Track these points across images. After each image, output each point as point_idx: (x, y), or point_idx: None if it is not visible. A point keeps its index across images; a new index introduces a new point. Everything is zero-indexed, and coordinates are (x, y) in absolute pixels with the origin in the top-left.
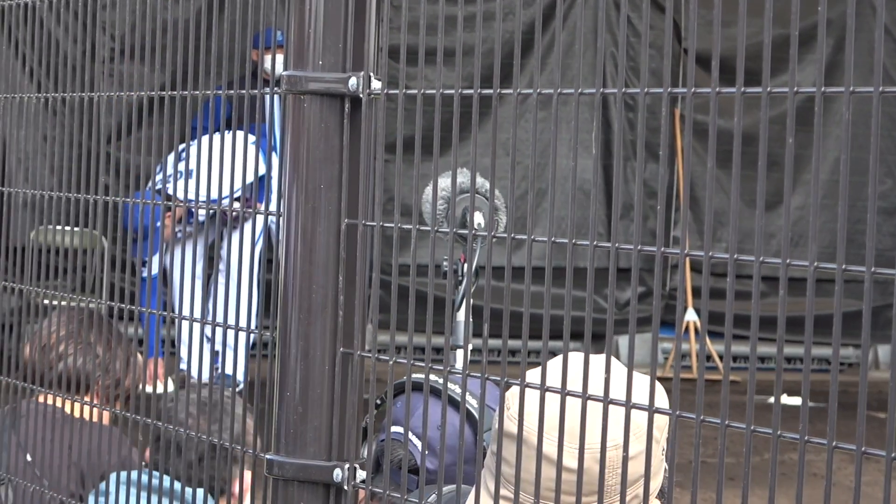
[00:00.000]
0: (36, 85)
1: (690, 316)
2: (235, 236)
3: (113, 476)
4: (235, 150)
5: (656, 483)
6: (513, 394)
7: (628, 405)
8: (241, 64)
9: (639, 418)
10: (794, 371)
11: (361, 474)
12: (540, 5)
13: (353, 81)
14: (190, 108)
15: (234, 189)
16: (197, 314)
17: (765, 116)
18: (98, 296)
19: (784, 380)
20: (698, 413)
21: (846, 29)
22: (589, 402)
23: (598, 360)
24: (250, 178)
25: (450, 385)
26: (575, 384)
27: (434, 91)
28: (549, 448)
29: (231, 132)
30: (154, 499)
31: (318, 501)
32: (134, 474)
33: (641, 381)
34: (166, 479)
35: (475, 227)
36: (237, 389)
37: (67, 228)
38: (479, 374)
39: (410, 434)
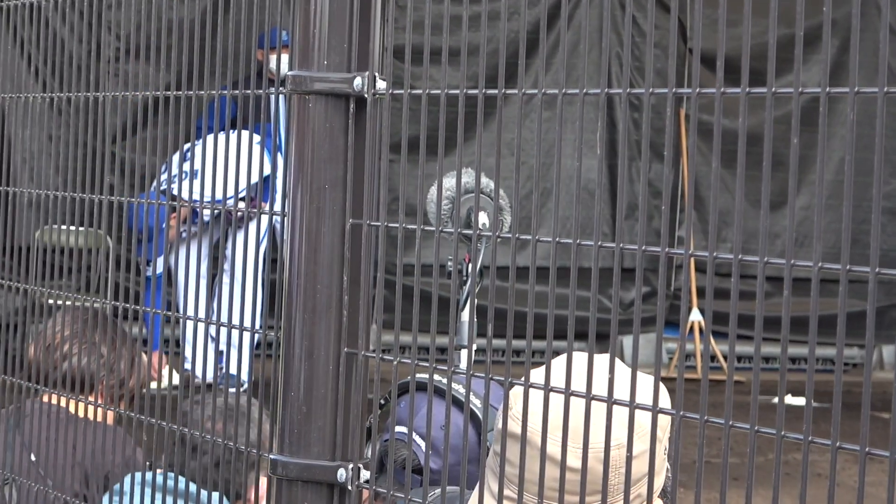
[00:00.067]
0: (41, 84)
1: (695, 316)
2: (240, 236)
3: (128, 477)
4: (241, 149)
5: (658, 482)
6: (514, 393)
7: (632, 405)
8: (246, 64)
9: (640, 418)
10: (799, 371)
11: (365, 474)
12: (545, 5)
13: (357, 81)
14: (195, 108)
15: (239, 189)
16: (201, 314)
17: (769, 117)
18: (103, 295)
19: (788, 380)
20: (702, 413)
21: (851, 29)
22: (577, 397)
23: (598, 360)
24: (255, 178)
25: (454, 385)
26: (576, 384)
27: (439, 91)
28: (552, 448)
29: (236, 132)
30: (169, 500)
31: (322, 501)
32: (150, 475)
33: (643, 380)
34: (182, 482)
35: (480, 227)
36: (242, 389)
37: (72, 228)
38: (482, 374)
39: (414, 434)
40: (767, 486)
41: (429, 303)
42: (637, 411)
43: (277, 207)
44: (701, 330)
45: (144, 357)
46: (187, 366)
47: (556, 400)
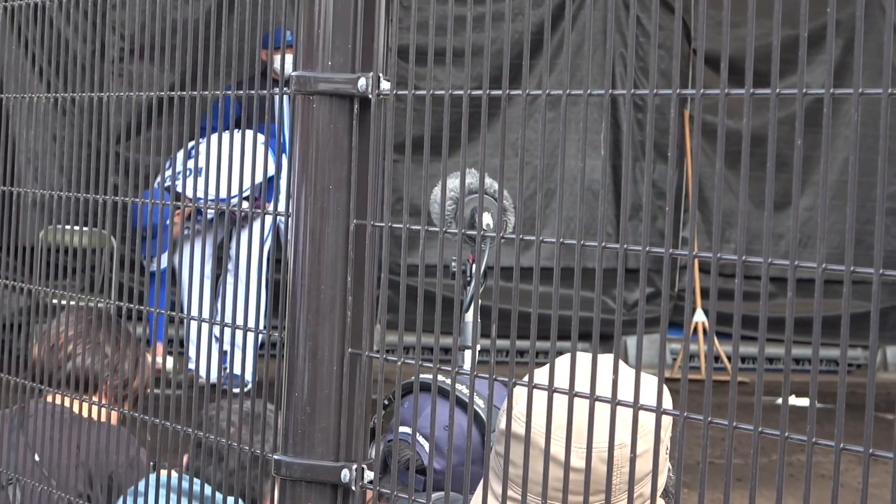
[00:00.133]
0: (45, 84)
1: (699, 317)
2: (244, 236)
3: (151, 477)
4: (245, 149)
5: (660, 482)
6: (517, 393)
7: (636, 406)
8: (250, 64)
9: (642, 417)
10: (802, 372)
11: (369, 475)
12: (549, 6)
13: (362, 82)
14: (199, 108)
15: (243, 188)
16: (205, 314)
17: (773, 118)
18: (107, 295)
19: (792, 381)
20: (706, 414)
21: (855, 30)
22: (580, 397)
23: (600, 360)
24: (259, 178)
25: (457, 386)
26: (577, 384)
27: (443, 91)
28: (555, 448)
29: (241, 131)
30: (185, 502)
31: (326, 502)
32: (166, 477)
33: (644, 380)
34: (197, 484)
35: (483, 227)
36: (245, 389)
37: (76, 228)
38: (487, 375)
39: (417, 434)
40: (771, 487)
41: (432, 303)
42: (624, 404)
43: (282, 208)
44: (705, 331)
45: (149, 357)
46: (191, 366)
47: (558, 400)
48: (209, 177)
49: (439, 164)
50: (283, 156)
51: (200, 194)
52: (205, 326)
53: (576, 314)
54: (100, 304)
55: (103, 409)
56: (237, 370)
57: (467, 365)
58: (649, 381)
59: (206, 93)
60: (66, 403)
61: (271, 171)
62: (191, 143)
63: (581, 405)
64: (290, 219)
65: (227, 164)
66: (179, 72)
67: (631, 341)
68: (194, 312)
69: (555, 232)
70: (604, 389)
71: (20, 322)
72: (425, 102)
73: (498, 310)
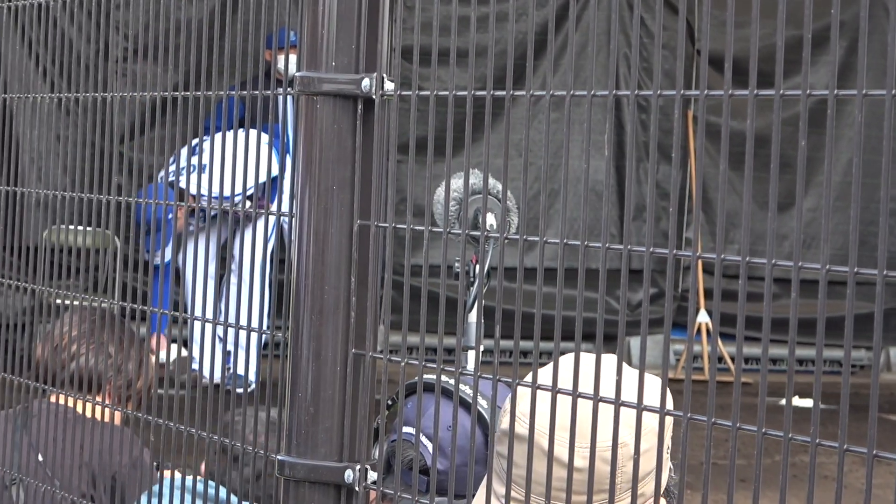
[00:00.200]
0: (49, 84)
1: (702, 317)
2: (247, 236)
3: (167, 479)
4: (249, 148)
5: (661, 482)
6: (521, 393)
7: (640, 407)
8: (254, 64)
9: (642, 417)
10: (806, 373)
11: (372, 475)
12: (553, 6)
13: (366, 82)
14: (203, 108)
15: (247, 187)
16: (209, 314)
17: (777, 118)
18: (110, 295)
19: (796, 382)
20: (710, 415)
21: (859, 31)
22: (584, 398)
23: (601, 361)
24: (263, 178)
25: (461, 386)
26: (575, 384)
27: (447, 92)
28: (555, 448)
29: (245, 131)
30: None
31: (329, 502)
32: (189, 481)
33: (645, 380)
34: (214, 489)
35: (487, 228)
36: (249, 390)
37: (80, 228)
38: (490, 376)
39: (421, 435)
40: (774, 487)
41: (436, 304)
42: (627, 405)
43: (285, 208)
44: (708, 331)
45: (153, 358)
46: (195, 366)
47: (557, 400)
48: (213, 174)
49: (443, 165)
50: (287, 156)
51: (204, 191)
52: (208, 326)
53: (579, 315)
54: (103, 305)
55: (107, 410)
56: (241, 370)
57: (471, 366)
58: (649, 381)
59: (210, 93)
60: (70, 403)
61: (275, 171)
62: (195, 140)
63: (578, 405)
64: (293, 219)
65: (231, 162)
66: (183, 72)
67: (634, 342)
68: (198, 312)
69: (558, 233)
70: (602, 389)
71: (24, 322)
72: (429, 103)
73: (501, 310)
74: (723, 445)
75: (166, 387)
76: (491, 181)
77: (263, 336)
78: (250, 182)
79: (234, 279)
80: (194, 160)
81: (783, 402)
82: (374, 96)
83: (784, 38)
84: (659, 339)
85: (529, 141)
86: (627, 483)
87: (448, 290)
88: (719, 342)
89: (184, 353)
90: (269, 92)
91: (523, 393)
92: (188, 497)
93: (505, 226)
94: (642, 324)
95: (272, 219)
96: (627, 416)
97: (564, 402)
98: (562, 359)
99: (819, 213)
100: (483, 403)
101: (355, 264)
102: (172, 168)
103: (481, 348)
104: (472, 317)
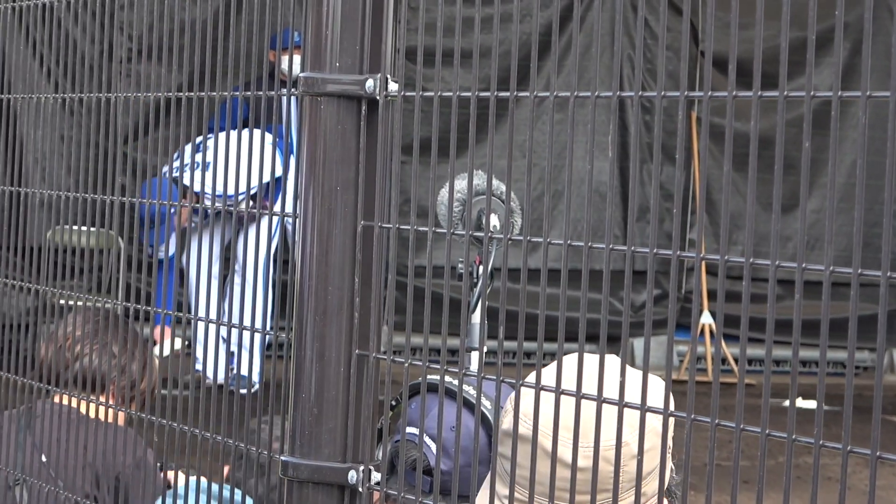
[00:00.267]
0: (53, 85)
1: (706, 319)
2: (250, 236)
3: (192, 480)
4: (253, 147)
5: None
6: (524, 393)
7: (643, 408)
8: (258, 65)
9: (641, 416)
10: (810, 374)
11: (376, 476)
12: (557, 7)
13: (370, 83)
14: (207, 108)
15: (250, 187)
16: (213, 315)
17: (781, 120)
18: (114, 296)
19: (799, 383)
20: (713, 416)
21: (863, 32)
22: (588, 399)
23: (597, 361)
24: (266, 177)
25: (464, 387)
26: (574, 385)
27: (450, 93)
28: (554, 447)
29: (250, 131)
30: None
31: (333, 503)
32: (205, 484)
33: (643, 380)
34: (231, 494)
35: (491, 229)
36: (253, 390)
37: (84, 228)
38: (494, 377)
39: (425, 435)
40: (778, 489)
41: (440, 305)
42: (632, 407)
43: (289, 209)
44: (712, 333)
45: (156, 361)
46: (198, 366)
47: (552, 399)
48: (216, 172)
49: (447, 166)
50: (291, 157)
51: (207, 189)
52: (212, 327)
53: (583, 316)
54: (107, 305)
55: (110, 410)
56: (244, 371)
57: (474, 367)
58: (649, 381)
59: (214, 94)
60: (74, 404)
61: (278, 172)
62: (199, 138)
63: (575, 404)
64: (297, 220)
65: (236, 161)
66: (187, 72)
67: (638, 343)
68: (201, 313)
69: (562, 234)
70: (603, 390)
71: (27, 322)
72: (433, 104)
73: (504, 311)
74: (726, 447)
75: (170, 387)
76: (495, 182)
77: (267, 337)
78: (254, 182)
79: (237, 279)
80: (198, 157)
81: (787, 403)
82: (377, 97)
83: (788, 40)
84: (662, 340)
85: (533, 142)
86: (629, 483)
87: (451, 290)
88: (723, 343)
89: (180, 345)
90: (272, 93)
91: (525, 393)
92: (205, 500)
93: (508, 227)
94: (646, 325)
95: (274, 218)
96: (629, 415)
97: (567, 402)
98: (564, 359)
99: (823, 215)
100: (486, 404)
101: (359, 265)
102: (177, 164)
103: (485, 349)
104: (476, 318)
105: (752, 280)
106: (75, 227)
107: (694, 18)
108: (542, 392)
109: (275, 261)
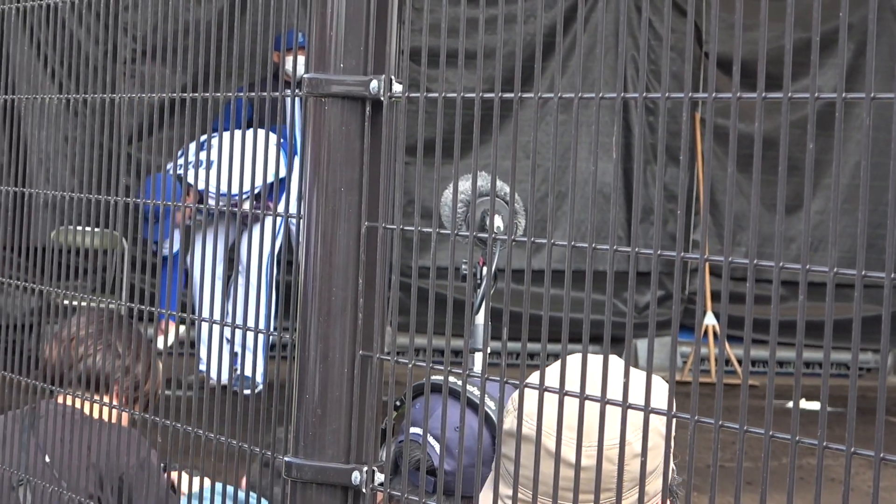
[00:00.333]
0: (57, 86)
1: (709, 320)
2: (253, 236)
3: (209, 483)
4: (257, 147)
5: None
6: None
7: (647, 410)
8: (262, 66)
9: (640, 416)
10: (813, 376)
11: (380, 477)
12: (561, 8)
13: (374, 84)
14: (211, 109)
15: (253, 186)
16: (217, 315)
17: (785, 121)
18: (118, 296)
19: (803, 384)
20: (717, 417)
21: (867, 33)
22: (592, 401)
23: (599, 361)
24: (270, 177)
25: (468, 387)
26: (576, 385)
27: (455, 94)
28: (552, 444)
29: (254, 131)
30: None
31: None
32: (231, 489)
33: (643, 379)
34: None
35: (495, 230)
36: (256, 391)
37: (87, 229)
38: (497, 378)
39: (428, 436)
40: (781, 490)
41: (443, 306)
42: (636, 409)
43: (293, 209)
44: (716, 334)
45: (160, 365)
46: (202, 367)
47: (556, 400)
48: (220, 171)
49: (451, 167)
50: (295, 157)
51: (210, 188)
52: (216, 327)
53: (587, 317)
54: (111, 306)
55: (114, 411)
56: (248, 372)
57: (478, 367)
58: (644, 380)
59: (218, 94)
60: (77, 405)
61: (282, 173)
62: (203, 137)
63: (577, 404)
64: (301, 221)
65: (239, 161)
66: (191, 73)
67: (642, 344)
68: (205, 314)
69: (566, 234)
70: (596, 389)
71: (31, 323)
72: (437, 105)
73: (509, 312)
74: (730, 448)
75: (173, 388)
76: (499, 183)
77: (270, 337)
78: (257, 181)
79: (241, 280)
80: (202, 155)
81: (790, 404)
82: (382, 98)
83: (792, 41)
84: (666, 341)
85: (537, 143)
86: (632, 482)
87: (455, 291)
88: (726, 345)
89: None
90: (276, 94)
91: (528, 393)
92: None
93: (512, 228)
94: (650, 326)
95: (279, 219)
96: (630, 414)
97: (567, 401)
98: (568, 358)
99: (827, 216)
100: (490, 405)
101: (363, 266)
102: (180, 161)
103: (488, 350)
104: (480, 318)
105: (755, 281)
106: (79, 228)
107: (698, 20)
108: (545, 392)
109: (278, 261)
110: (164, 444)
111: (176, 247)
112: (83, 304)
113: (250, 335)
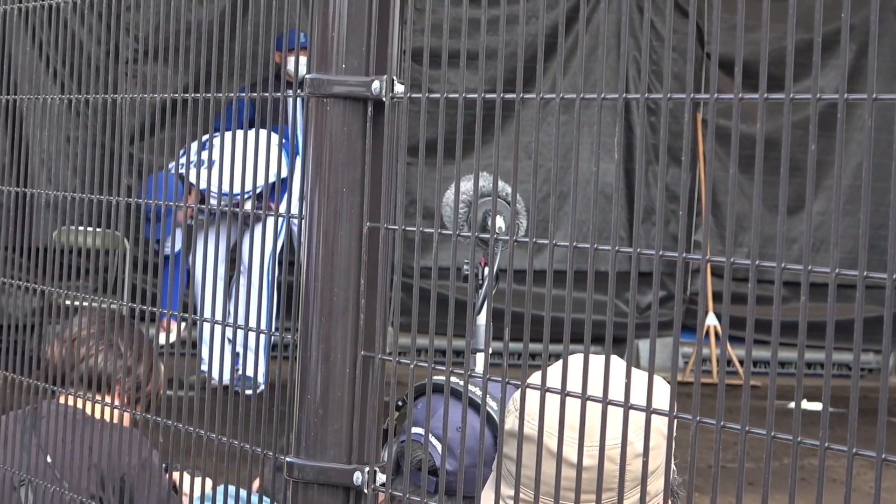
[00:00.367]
0: (59, 86)
1: (711, 321)
2: (255, 236)
3: (222, 487)
4: (258, 147)
5: (664, 482)
6: (517, 396)
7: (649, 410)
8: (264, 66)
9: (642, 417)
10: (815, 376)
11: (381, 477)
12: (563, 8)
13: (376, 85)
14: (213, 109)
15: (254, 186)
16: (219, 316)
17: (787, 122)
18: (119, 297)
19: (804, 385)
20: (718, 418)
21: (869, 34)
22: (594, 401)
23: (600, 361)
24: (272, 177)
25: (470, 387)
26: (577, 385)
27: (457, 94)
28: (559, 447)
29: (256, 131)
30: None
31: None
32: (244, 493)
33: (643, 380)
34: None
35: (496, 230)
36: (258, 391)
37: (89, 229)
38: (499, 378)
39: (430, 436)
40: (783, 491)
41: (445, 306)
42: (636, 408)
43: (295, 210)
44: (717, 334)
45: (162, 367)
46: (204, 367)
47: (557, 400)
48: (222, 171)
49: (453, 167)
50: (297, 158)
51: (212, 188)
52: (217, 327)
53: (589, 317)
54: (112, 306)
55: (115, 411)
56: (249, 372)
57: (480, 368)
58: (651, 381)
59: (220, 94)
60: (79, 405)
61: (283, 173)
62: (205, 136)
63: (578, 404)
64: (303, 221)
65: (241, 160)
66: (193, 73)
67: (643, 344)
68: (207, 314)
69: (568, 235)
70: (597, 390)
71: (33, 323)
72: (439, 105)
73: (511, 312)
74: (731, 449)
75: (175, 388)
76: (500, 184)
77: (272, 338)
78: (259, 181)
79: (242, 280)
80: (204, 155)
81: (792, 405)
82: (384, 98)
83: (794, 42)
84: (668, 341)
85: (539, 143)
86: (633, 482)
87: (457, 292)
88: (728, 345)
89: (185, 336)
90: (278, 94)
91: (530, 392)
92: None
93: (514, 228)
94: (651, 326)
95: (281, 220)
96: (632, 414)
97: (568, 401)
98: (569, 359)
99: (828, 217)
100: (492, 405)
101: (364, 266)
102: (182, 161)
103: (490, 350)
104: (481, 319)
105: (757, 282)
106: (81, 228)
107: (700, 20)
108: (539, 392)
109: (280, 262)
110: (165, 445)
111: (177, 246)
112: (85, 304)
113: (252, 335)
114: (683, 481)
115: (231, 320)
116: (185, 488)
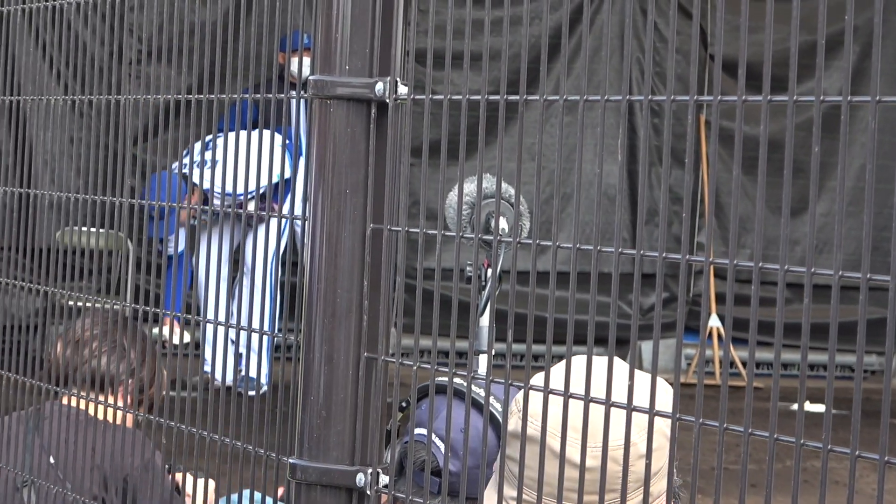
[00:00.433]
0: (63, 87)
1: (714, 322)
2: (258, 238)
3: (245, 492)
4: (262, 148)
5: (665, 483)
6: (519, 397)
7: (651, 412)
8: (267, 67)
9: (644, 418)
10: (818, 378)
11: (384, 479)
12: (566, 10)
13: (379, 86)
14: (216, 110)
15: (258, 187)
16: (222, 317)
17: (791, 124)
18: (123, 297)
19: (808, 387)
20: (721, 420)
21: (873, 36)
22: (596, 403)
23: (601, 362)
24: (275, 178)
25: (473, 388)
26: (580, 386)
27: (460, 96)
28: (561, 447)
29: (259, 131)
30: None
31: None
32: (258, 496)
33: (644, 381)
34: None
35: (499, 232)
36: (261, 392)
37: (93, 230)
38: (502, 380)
39: (433, 436)
40: (786, 493)
41: (448, 307)
42: (640, 411)
43: (298, 211)
44: (720, 336)
45: (164, 371)
46: (207, 368)
47: (561, 401)
48: (225, 171)
49: (456, 169)
50: (300, 159)
51: (216, 188)
52: (220, 328)
53: (592, 319)
54: (116, 307)
55: (118, 412)
56: (253, 373)
57: (483, 369)
58: (654, 383)
59: (224, 96)
60: (82, 406)
61: (287, 174)
62: (209, 137)
63: (580, 405)
64: (306, 222)
65: (245, 161)
66: (197, 74)
67: (646, 346)
68: (210, 314)
69: (571, 237)
70: (600, 391)
71: (36, 324)
72: (442, 107)
73: (513, 314)
74: (734, 450)
75: (178, 389)
76: (504, 185)
77: (275, 339)
78: (262, 182)
79: (245, 281)
80: (207, 155)
81: (795, 407)
82: (387, 100)
83: (798, 44)
84: (671, 343)
85: (542, 145)
86: (636, 483)
87: (460, 293)
88: (731, 347)
89: (189, 339)
90: (282, 95)
91: (533, 393)
92: None
93: (517, 230)
94: (654, 328)
95: (284, 221)
96: (635, 415)
97: (572, 402)
98: (572, 360)
99: (832, 219)
100: (496, 406)
101: (368, 268)
102: (186, 161)
103: (493, 352)
104: (485, 320)
105: (760, 284)
106: (84, 229)
107: (703, 22)
108: (549, 393)
109: (283, 263)
110: (168, 446)
111: (181, 247)
112: (88, 305)
113: (255, 336)
114: (684, 482)
115: (234, 321)
116: (188, 489)
